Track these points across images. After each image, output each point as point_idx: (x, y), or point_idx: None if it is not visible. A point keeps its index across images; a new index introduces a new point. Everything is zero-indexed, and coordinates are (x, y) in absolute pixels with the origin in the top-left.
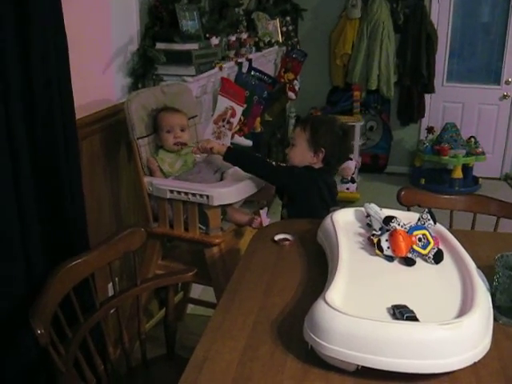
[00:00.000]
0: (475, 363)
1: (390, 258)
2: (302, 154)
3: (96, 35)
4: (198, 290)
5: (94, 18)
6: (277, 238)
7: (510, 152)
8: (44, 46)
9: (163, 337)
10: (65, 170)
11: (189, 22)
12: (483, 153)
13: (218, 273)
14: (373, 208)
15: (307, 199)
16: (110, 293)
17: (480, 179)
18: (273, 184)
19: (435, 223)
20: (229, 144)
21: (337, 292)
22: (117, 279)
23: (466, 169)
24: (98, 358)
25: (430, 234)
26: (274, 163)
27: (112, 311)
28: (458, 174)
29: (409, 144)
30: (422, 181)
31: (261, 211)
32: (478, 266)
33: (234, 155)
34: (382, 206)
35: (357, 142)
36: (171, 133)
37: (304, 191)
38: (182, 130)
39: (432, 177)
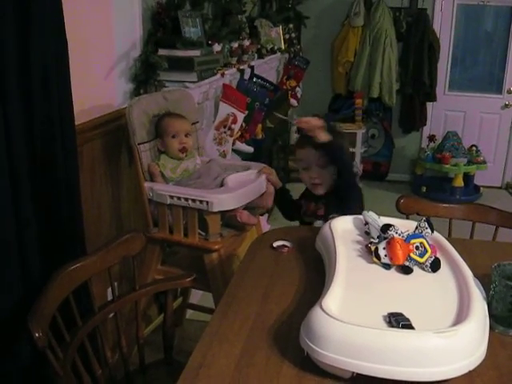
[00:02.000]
0: (470, 372)
1: (387, 266)
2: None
3: (99, 41)
4: (197, 296)
5: (97, 23)
6: (275, 244)
7: (511, 161)
8: (44, 51)
9: (161, 341)
10: (62, 175)
11: (191, 29)
12: (484, 161)
13: (217, 278)
14: (371, 216)
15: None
16: (109, 297)
17: (481, 188)
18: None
19: (433, 232)
20: (230, 151)
21: (333, 299)
22: (116, 284)
23: (468, 177)
24: (96, 363)
25: (428, 243)
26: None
27: (111, 316)
28: (459, 182)
29: (410, 152)
30: (424, 189)
31: (260, 217)
32: (475, 275)
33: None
34: (383, 214)
35: (358, 149)
36: (176, 138)
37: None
38: (187, 136)
39: (433, 185)
